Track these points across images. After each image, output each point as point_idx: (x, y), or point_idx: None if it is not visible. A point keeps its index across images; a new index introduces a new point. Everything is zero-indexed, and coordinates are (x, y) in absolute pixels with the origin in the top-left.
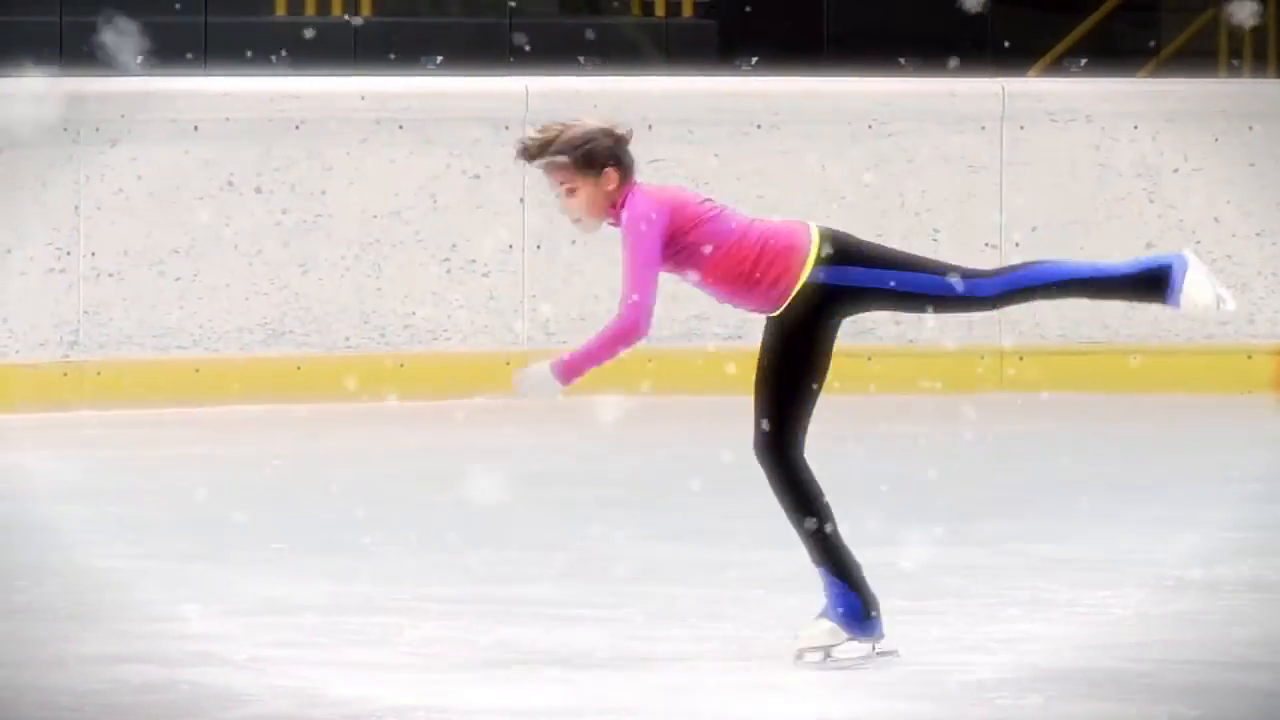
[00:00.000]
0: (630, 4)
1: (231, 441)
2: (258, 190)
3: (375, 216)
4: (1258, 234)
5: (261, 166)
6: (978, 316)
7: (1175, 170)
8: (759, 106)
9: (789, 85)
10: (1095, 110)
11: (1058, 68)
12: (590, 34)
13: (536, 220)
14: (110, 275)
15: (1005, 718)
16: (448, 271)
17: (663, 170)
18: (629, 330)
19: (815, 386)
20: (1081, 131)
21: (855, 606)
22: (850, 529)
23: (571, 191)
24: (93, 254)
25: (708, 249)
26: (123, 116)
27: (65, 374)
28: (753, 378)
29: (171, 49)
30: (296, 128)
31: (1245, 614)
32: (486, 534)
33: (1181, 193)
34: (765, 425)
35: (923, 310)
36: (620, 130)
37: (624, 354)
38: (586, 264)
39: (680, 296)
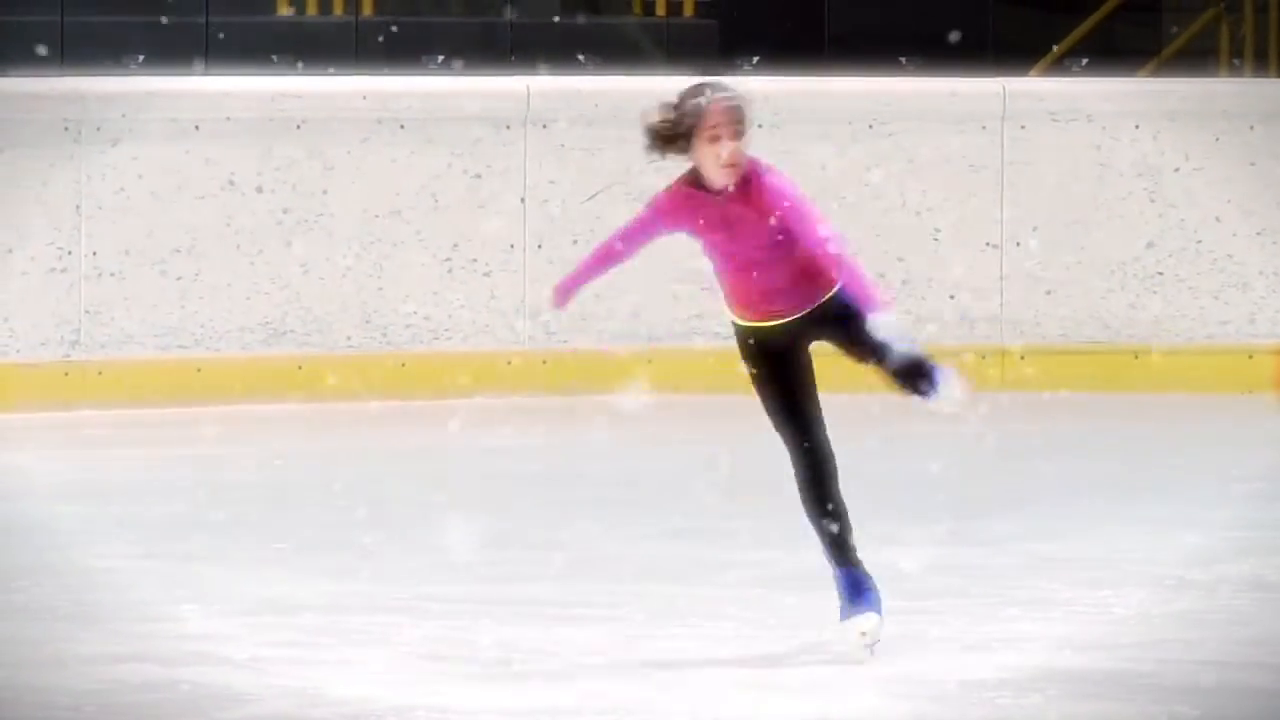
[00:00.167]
0: (631, 3)
1: (231, 441)
2: (259, 190)
3: (376, 216)
4: (1258, 233)
5: (263, 166)
6: (979, 316)
7: (1176, 170)
8: (760, 106)
9: (790, 85)
10: (1096, 110)
11: (1059, 67)
12: (591, 34)
13: (537, 220)
14: (111, 275)
15: (1005, 718)
16: (449, 271)
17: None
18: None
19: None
20: (1082, 131)
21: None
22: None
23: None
24: (94, 253)
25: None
26: (124, 116)
27: (66, 373)
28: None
29: (172, 49)
30: (298, 127)
31: (1246, 614)
32: (486, 534)
33: (1182, 192)
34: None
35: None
36: None
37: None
38: None
39: (681, 296)
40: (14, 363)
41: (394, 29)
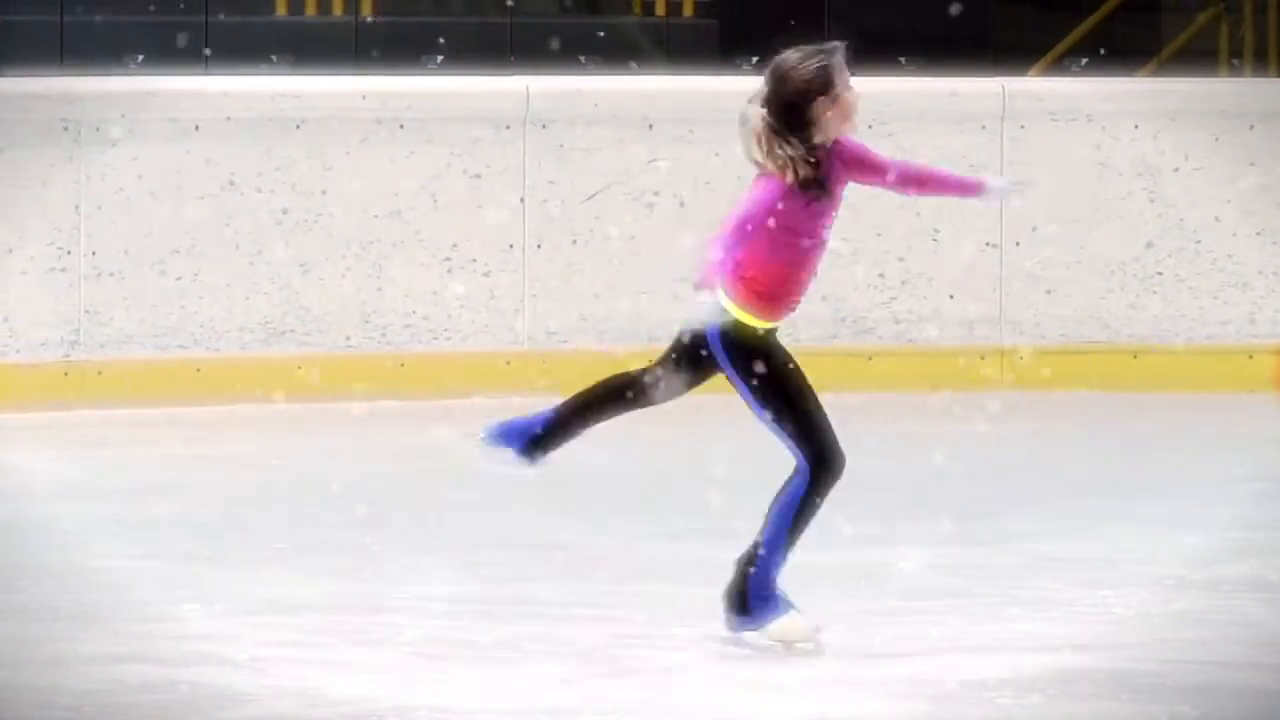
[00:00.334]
0: (631, 3)
1: (231, 441)
2: (258, 190)
3: (376, 216)
4: (1258, 233)
5: (262, 166)
6: (979, 316)
7: (1176, 170)
8: None
9: None
10: (1096, 110)
11: (1058, 67)
12: (591, 34)
13: (537, 220)
14: (111, 275)
15: (1005, 718)
16: (448, 271)
17: (663, 170)
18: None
19: None
20: (1082, 131)
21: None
22: (850, 529)
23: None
24: (93, 253)
25: None
26: (123, 116)
27: (66, 373)
28: None
29: (172, 49)
30: (297, 127)
31: (1246, 614)
32: (486, 534)
33: (1182, 192)
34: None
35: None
36: None
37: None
38: (587, 264)
39: (681, 296)
40: (13, 363)
41: (394, 29)
